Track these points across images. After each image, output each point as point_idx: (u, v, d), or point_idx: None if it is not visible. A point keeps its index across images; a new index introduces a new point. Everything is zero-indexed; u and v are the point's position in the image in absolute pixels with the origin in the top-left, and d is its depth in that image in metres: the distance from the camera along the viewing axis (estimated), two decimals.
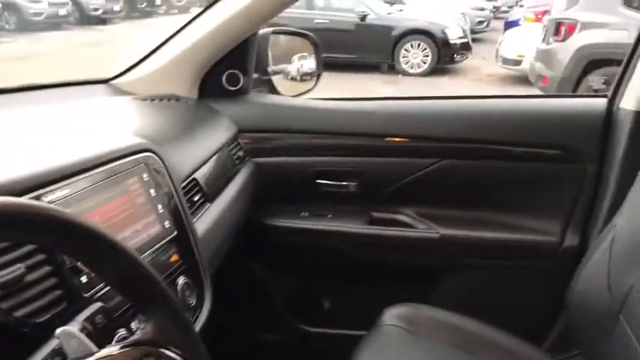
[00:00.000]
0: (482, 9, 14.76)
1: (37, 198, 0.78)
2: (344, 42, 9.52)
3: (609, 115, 1.58)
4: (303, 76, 1.92)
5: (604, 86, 5.65)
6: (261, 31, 1.71)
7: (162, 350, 0.65)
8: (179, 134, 1.36)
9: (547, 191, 1.65)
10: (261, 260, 1.81)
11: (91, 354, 0.61)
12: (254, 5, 1.50)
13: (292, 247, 1.76)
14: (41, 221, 0.54)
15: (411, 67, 9.93)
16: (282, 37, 1.99)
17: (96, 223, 0.60)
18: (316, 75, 1.90)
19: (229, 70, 1.66)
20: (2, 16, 12.85)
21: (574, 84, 6.05)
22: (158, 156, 1.06)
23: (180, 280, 1.01)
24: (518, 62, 8.39)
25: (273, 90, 1.82)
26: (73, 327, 0.68)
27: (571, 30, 6.28)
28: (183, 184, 1.19)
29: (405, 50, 9.93)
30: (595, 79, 5.89)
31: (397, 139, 1.69)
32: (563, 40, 6.33)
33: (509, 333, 1.37)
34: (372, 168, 1.71)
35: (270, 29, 1.79)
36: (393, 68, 10.01)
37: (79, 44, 11.09)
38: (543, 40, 6.83)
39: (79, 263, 0.78)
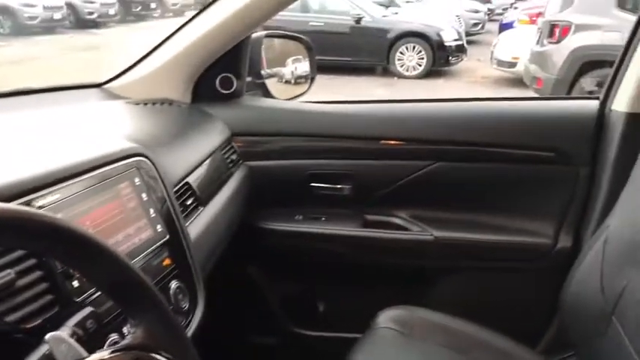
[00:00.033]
0: (476, 11, 14.77)
1: (28, 203, 0.78)
2: (339, 45, 9.53)
3: (601, 117, 1.59)
4: (298, 79, 1.92)
5: (596, 88, 5.67)
6: (254, 35, 1.71)
7: (153, 355, 0.65)
8: (172, 138, 1.36)
9: (540, 193, 1.66)
10: (256, 264, 1.81)
11: (81, 359, 0.61)
12: (246, 9, 1.50)
13: (286, 250, 1.76)
14: (31, 227, 0.54)
15: (407, 70, 9.94)
16: (276, 41, 1.99)
17: (85, 228, 0.60)
18: (310, 78, 1.90)
19: (222, 74, 1.66)
20: None
21: (568, 86, 6.06)
22: (150, 160, 1.06)
23: (173, 284, 1.01)
24: (512, 64, 8.41)
25: (266, 93, 1.82)
26: (63, 332, 0.68)
27: (565, 32, 6.30)
28: (176, 188, 1.19)
29: (401, 53, 9.94)
30: (587, 81, 5.91)
31: (390, 142, 1.69)
32: (558, 42, 6.35)
33: (503, 335, 1.38)
34: (365, 171, 1.71)
35: (263, 32, 1.79)
36: (388, 71, 10.02)
37: (75, 48, 11.06)
38: (538, 42, 6.85)
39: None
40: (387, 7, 11.56)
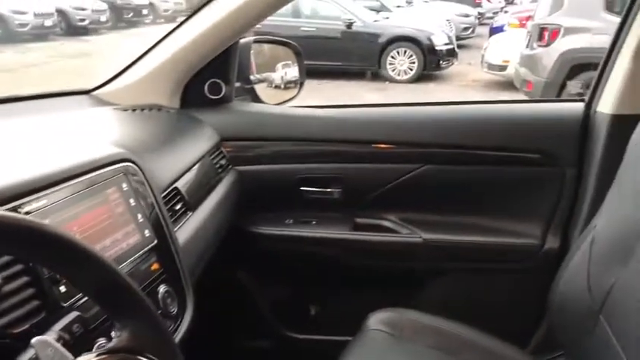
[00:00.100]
0: (467, 15, 14.84)
1: (15, 209, 0.79)
2: (331, 50, 9.57)
3: (587, 119, 1.60)
4: (287, 84, 1.93)
5: (581, 90, 5.71)
6: (242, 40, 1.72)
7: (139, 357, 0.65)
8: (160, 144, 1.37)
9: (528, 195, 1.67)
10: (247, 268, 1.81)
11: None
12: (234, 14, 1.50)
13: (277, 254, 1.77)
14: (17, 233, 0.54)
15: (398, 74, 9.96)
16: (265, 46, 2.00)
17: (71, 234, 0.61)
18: (299, 83, 1.91)
19: (211, 79, 1.66)
20: None
21: (558, 88, 6.10)
22: (137, 166, 1.06)
23: (161, 289, 1.01)
24: (503, 67, 8.44)
25: (255, 98, 1.83)
26: (50, 336, 0.68)
27: (554, 35, 6.34)
28: (165, 193, 1.19)
29: (392, 57, 9.97)
30: (572, 84, 5.95)
31: (379, 145, 1.70)
32: (547, 45, 6.39)
33: (493, 336, 1.38)
34: (355, 174, 1.72)
35: (252, 38, 1.80)
36: (378, 75, 10.05)
37: (67, 55, 11.03)
38: (527, 45, 6.89)
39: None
40: (378, 11, 11.59)
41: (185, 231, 1.23)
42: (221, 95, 1.68)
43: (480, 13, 16.49)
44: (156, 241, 1.04)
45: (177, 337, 1.02)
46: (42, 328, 0.74)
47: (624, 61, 1.51)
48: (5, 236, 0.54)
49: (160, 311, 0.99)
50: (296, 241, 1.73)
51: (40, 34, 12.88)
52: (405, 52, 9.95)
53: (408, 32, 10.12)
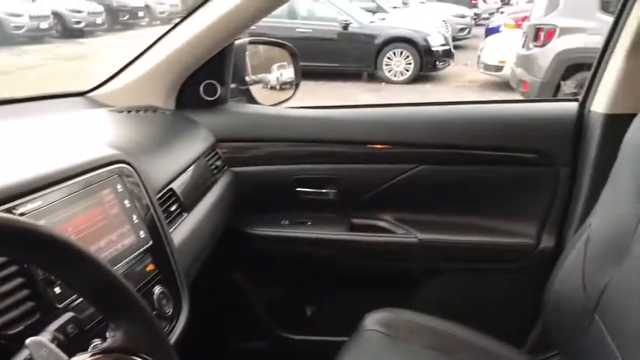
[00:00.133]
0: (463, 16, 14.87)
1: (9, 210, 0.79)
2: (327, 51, 9.58)
3: (581, 118, 1.61)
4: (283, 85, 1.93)
5: (574, 90, 5.73)
6: (237, 42, 1.72)
7: (134, 357, 0.65)
8: (155, 145, 1.37)
9: (523, 194, 1.68)
10: (242, 269, 1.82)
11: None
12: (229, 16, 1.51)
13: (273, 255, 1.77)
14: (12, 234, 0.55)
15: (394, 75, 9.97)
16: (261, 47, 2.00)
17: (66, 235, 0.61)
18: (295, 84, 1.91)
19: (206, 81, 1.66)
20: None
21: (554, 88, 6.12)
22: (132, 167, 1.06)
23: (157, 290, 1.01)
24: (499, 68, 8.46)
25: (251, 99, 1.83)
26: (44, 337, 0.68)
27: (550, 35, 6.36)
28: (160, 195, 1.19)
29: (388, 58, 9.97)
30: (567, 84, 5.97)
31: (375, 146, 1.70)
32: (543, 45, 6.41)
33: (489, 335, 1.39)
34: (350, 175, 1.72)
35: (247, 39, 1.80)
36: (374, 76, 10.05)
37: (62, 57, 11.01)
38: (523, 45, 6.91)
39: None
40: (374, 13, 11.60)
41: (180, 232, 1.23)
42: (216, 96, 1.68)
43: (476, 14, 16.52)
44: (151, 242, 1.04)
45: (173, 338, 1.02)
46: (37, 329, 0.74)
47: (617, 61, 1.52)
48: (1, 237, 0.54)
49: (155, 312, 0.99)
50: (292, 241, 1.74)
51: (35, 37, 12.86)
52: (402, 53, 9.96)
53: (404, 33, 10.13)
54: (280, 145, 1.73)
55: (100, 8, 15.04)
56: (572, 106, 1.64)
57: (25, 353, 0.67)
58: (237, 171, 1.69)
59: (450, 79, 10.28)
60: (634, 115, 1.17)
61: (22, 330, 0.73)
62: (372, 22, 10.61)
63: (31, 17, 12.78)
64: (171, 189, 1.26)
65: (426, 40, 9.99)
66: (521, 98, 6.34)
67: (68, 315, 0.79)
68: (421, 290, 1.77)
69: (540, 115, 1.72)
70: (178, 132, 1.55)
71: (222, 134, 1.67)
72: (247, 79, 1.84)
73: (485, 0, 18.47)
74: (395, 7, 14.20)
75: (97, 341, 0.82)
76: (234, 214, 1.67)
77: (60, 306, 0.79)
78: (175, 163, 1.36)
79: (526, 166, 1.66)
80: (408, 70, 9.99)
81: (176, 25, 1.60)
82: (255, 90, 1.86)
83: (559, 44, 6.21)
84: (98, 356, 0.63)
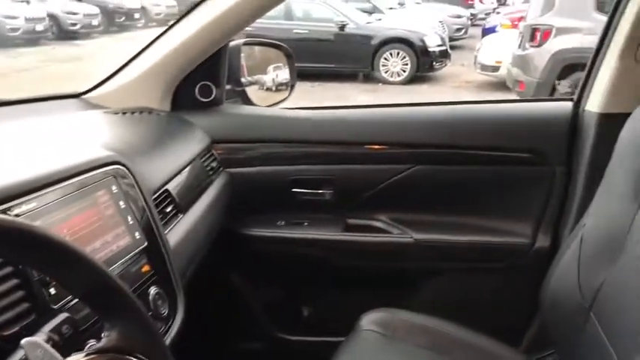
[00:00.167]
0: (459, 16, 14.90)
1: (4, 211, 0.79)
2: (324, 52, 9.60)
3: (575, 118, 1.62)
4: (279, 87, 1.93)
5: (569, 89, 5.75)
6: (232, 43, 1.72)
7: (129, 357, 0.65)
8: (150, 146, 1.37)
9: (518, 194, 1.68)
10: (239, 270, 1.81)
11: None
12: (223, 17, 1.51)
13: (269, 256, 1.77)
14: (7, 235, 0.55)
15: (391, 76, 9.98)
16: (257, 49, 2.00)
17: (61, 236, 0.61)
18: (290, 85, 1.91)
19: (201, 82, 1.67)
20: None
21: (550, 88, 6.14)
22: (127, 168, 1.06)
23: (152, 290, 1.01)
24: (496, 68, 8.47)
25: (246, 101, 1.83)
26: (39, 337, 0.68)
27: (546, 35, 6.38)
28: (155, 196, 1.19)
29: (385, 59, 9.98)
30: (562, 83, 5.99)
31: (370, 146, 1.71)
32: (539, 45, 6.43)
33: (485, 335, 1.39)
34: (346, 175, 1.72)
35: (242, 40, 1.80)
36: (370, 77, 10.06)
37: (58, 59, 10.99)
38: (520, 46, 6.93)
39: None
40: (370, 13, 11.62)
41: (176, 233, 1.23)
42: (211, 98, 1.68)
43: (472, 14, 16.55)
44: (146, 243, 1.04)
45: (168, 338, 1.03)
46: (32, 330, 0.74)
47: (611, 61, 1.53)
48: None
49: (150, 313, 0.99)
50: (288, 242, 1.74)
51: (31, 39, 12.82)
52: (398, 53, 9.97)
53: (400, 34, 10.15)
54: (276, 145, 1.73)
55: (96, 10, 15.00)
56: (567, 106, 1.65)
57: (20, 354, 0.67)
58: (233, 172, 1.69)
59: (446, 80, 10.29)
60: (628, 115, 1.18)
61: (17, 331, 0.73)
62: (368, 22, 10.63)
63: (26, 19, 12.75)
64: (166, 190, 1.27)
65: (422, 41, 10.00)
66: (517, 98, 6.36)
67: (63, 315, 0.79)
68: (417, 290, 1.77)
69: (535, 114, 1.73)
70: (174, 133, 1.55)
71: (218, 135, 1.67)
72: (243, 80, 1.84)
73: (482, 0, 18.50)
74: (391, 8, 14.23)
75: (92, 342, 0.82)
76: (230, 215, 1.67)
77: (55, 307, 0.80)
78: (171, 164, 1.36)
79: (521, 166, 1.66)
80: (404, 71, 10.00)
81: (171, 26, 1.60)
82: (251, 91, 1.86)
83: (555, 44, 6.23)
84: (93, 356, 0.63)
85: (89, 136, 1.29)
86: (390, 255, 1.74)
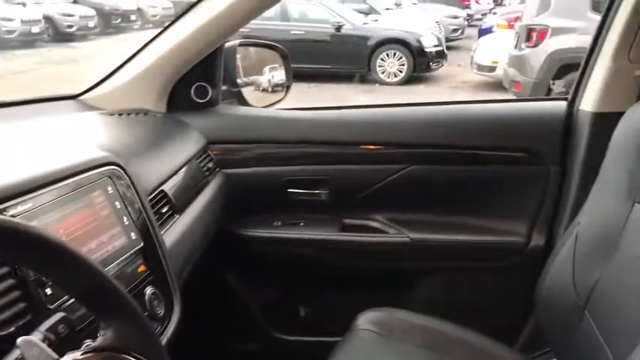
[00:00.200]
0: (456, 17, 14.92)
1: (1, 212, 0.79)
2: (320, 53, 9.60)
3: (570, 117, 1.62)
4: (275, 88, 1.93)
5: (563, 89, 5.76)
6: (228, 44, 1.72)
7: (124, 356, 0.66)
8: (146, 147, 1.37)
9: (513, 193, 1.69)
10: (235, 270, 1.82)
11: None
12: (219, 18, 1.51)
13: (266, 256, 1.77)
14: (3, 235, 0.55)
15: (388, 77, 9.98)
16: (253, 50, 2.00)
17: (57, 236, 0.61)
18: (286, 86, 1.91)
19: (197, 83, 1.67)
20: None
21: (547, 88, 6.14)
22: (123, 169, 1.07)
23: (148, 291, 1.02)
24: (492, 68, 8.48)
25: (242, 101, 1.84)
26: (35, 337, 0.69)
27: (542, 36, 6.39)
28: (151, 196, 1.20)
29: (381, 60, 9.98)
30: (556, 83, 6.00)
31: (366, 147, 1.71)
32: (535, 45, 6.44)
33: (482, 334, 1.40)
34: (342, 175, 1.73)
35: (237, 41, 1.80)
36: (366, 78, 10.06)
37: (54, 61, 10.97)
38: (516, 46, 6.94)
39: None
40: (367, 14, 11.63)
41: (172, 234, 1.24)
42: (207, 99, 1.69)
43: (468, 15, 16.58)
44: (142, 244, 1.05)
45: (165, 338, 1.03)
46: (28, 330, 0.74)
47: (605, 60, 1.54)
48: None
49: (146, 313, 0.99)
50: (284, 242, 1.74)
51: (27, 41, 12.80)
52: (395, 54, 9.97)
53: (397, 34, 10.15)
54: (272, 146, 1.74)
55: (92, 12, 14.98)
56: (561, 105, 1.65)
57: (16, 353, 0.67)
58: (229, 172, 1.69)
59: (443, 80, 10.30)
60: (622, 114, 1.19)
61: (13, 331, 0.73)
62: (364, 23, 10.63)
63: (22, 21, 12.73)
64: (162, 191, 1.27)
65: (419, 42, 10.01)
66: (511, 97, 6.37)
67: (59, 315, 0.79)
68: (414, 289, 1.77)
69: (530, 114, 1.73)
70: (169, 134, 1.55)
71: (214, 136, 1.67)
72: (239, 81, 1.84)
73: (478, 1, 18.53)
74: (387, 9, 14.23)
75: (88, 342, 0.82)
76: (227, 216, 1.67)
77: (51, 307, 0.80)
78: (167, 165, 1.37)
79: (516, 165, 1.67)
80: (401, 72, 10.00)
81: (166, 28, 1.60)
82: (247, 92, 1.86)
83: (551, 44, 6.24)
84: (89, 354, 0.64)
85: (85, 137, 1.29)
86: (387, 255, 1.74)
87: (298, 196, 1.74)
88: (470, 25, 15.74)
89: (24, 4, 13.60)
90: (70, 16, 14.33)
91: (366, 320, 1.41)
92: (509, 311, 1.72)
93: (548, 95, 6.04)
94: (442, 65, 10.51)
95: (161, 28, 1.63)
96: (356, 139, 1.71)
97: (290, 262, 1.78)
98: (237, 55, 1.80)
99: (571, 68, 5.91)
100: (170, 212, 1.27)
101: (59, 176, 0.92)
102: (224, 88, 1.77)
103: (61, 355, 0.64)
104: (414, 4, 16.71)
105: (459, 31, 14.69)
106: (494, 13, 14.28)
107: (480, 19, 15.88)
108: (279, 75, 1.93)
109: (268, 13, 8.15)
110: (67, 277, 0.64)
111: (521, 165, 1.67)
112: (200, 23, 1.53)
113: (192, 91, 1.67)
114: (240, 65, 1.84)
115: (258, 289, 1.84)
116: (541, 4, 6.54)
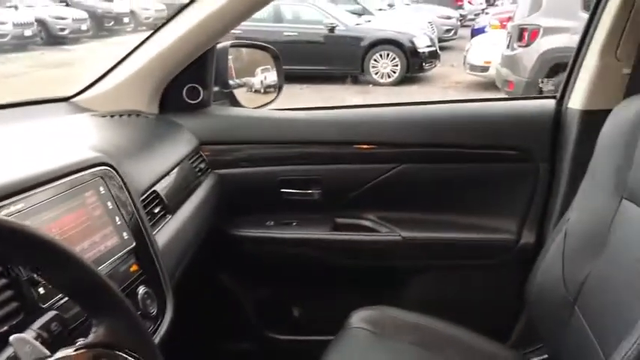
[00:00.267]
0: (449, 17, 14.94)
1: None
2: (313, 54, 9.60)
3: (558, 115, 1.64)
4: (267, 89, 1.94)
5: (552, 87, 5.79)
6: (219, 45, 1.73)
7: (117, 352, 0.66)
8: (139, 148, 1.38)
9: (503, 191, 1.70)
10: (229, 270, 1.82)
11: (45, 357, 0.63)
12: (209, 20, 1.52)
13: (258, 256, 1.78)
14: None
15: (381, 77, 9.98)
16: (245, 51, 2.01)
17: (51, 235, 0.62)
18: (278, 87, 1.92)
19: (189, 84, 1.67)
20: None
21: (539, 87, 6.17)
22: (115, 169, 1.08)
23: (141, 290, 1.02)
24: (485, 68, 8.51)
25: (234, 102, 1.84)
26: (28, 334, 0.69)
27: (534, 35, 6.42)
28: (143, 197, 1.20)
29: (375, 60, 9.99)
30: (544, 81, 6.03)
31: (357, 146, 1.72)
32: (527, 45, 6.47)
33: (474, 331, 1.40)
34: (334, 175, 1.74)
35: (229, 42, 1.81)
36: (359, 79, 10.07)
37: (47, 65, 10.94)
38: (508, 46, 6.96)
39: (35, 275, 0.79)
40: (360, 15, 11.63)
41: (164, 234, 1.24)
42: (199, 100, 1.69)
43: (461, 15, 16.61)
44: (134, 244, 1.05)
45: (157, 337, 1.03)
46: (21, 329, 0.75)
47: (592, 59, 1.55)
48: None
49: (139, 312, 1.00)
50: (277, 242, 1.75)
51: (19, 44, 12.76)
52: (388, 55, 9.98)
53: (390, 35, 10.16)
54: (264, 146, 1.75)
55: (85, 15, 14.93)
56: (550, 103, 1.67)
57: (9, 351, 0.67)
58: (222, 173, 1.70)
59: (436, 81, 10.32)
60: (609, 111, 1.20)
61: (6, 330, 0.74)
62: (357, 24, 10.63)
63: (14, 25, 12.68)
64: (154, 191, 1.27)
65: (412, 42, 10.02)
66: (501, 96, 6.39)
67: (52, 313, 0.80)
68: (406, 287, 1.78)
69: (519, 112, 1.75)
70: (162, 135, 1.55)
71: (206, 137, 1.68)
72: (231, 82, 1.85)
73: (471, 1, 18.57)
74: (380, 10, 14.25)
75: (81, 340, 0.83)
76: (219, 216, 1.68)
77: (44, 306, 0.81)
78: (159, 165, 1.37)
79: (506, 163, 1.68)
80: (394, 72, 10.00)
81: (158, 29, 1.60)
82: (239, 93, 1.87)
83: (543, 44, 6.27)
84: (81, 351, 0.64)
85: (77, 139, 1.30)
86: (379, 253, 1.75)
87: (291, 196, 1.75)
88: (463, 26, 15.77)
89: (16, 7, 13.55)
90: (63, 19, 14.28)
91: (358, 318, 1.42)
92: (501, 308, 1.73)
93: (540, 94, 6.08)
94: (435, 66, 10.52)
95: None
96: (348, 138, 1.71)
97: (283, 262, 1.78)
98: (229, 57, 1.81)
99: (563, 67, 5.93)
100: (162, 212, 1.28)
101: (52, 176, 0.92)
102: (216, 89, 1.77)
103: (54, 352, 0.65)
104: (407, 4, 16.74)
105: (452, 32, 14.71)
106: (487, 14, 14.32)
107: (472, 20, 15.93)
108: (272, 76, 1.93)
109: (261, 14, 8.14)
110: (60, 276, 0.64)
111: (511, 163, 1.68)
112: (191, 25, 1.53)
113: (184, 92, 1.68)
114: (232, 66, 1.85)
115: (251, 289, 1.85)
116: (533, 4, 6.57)
